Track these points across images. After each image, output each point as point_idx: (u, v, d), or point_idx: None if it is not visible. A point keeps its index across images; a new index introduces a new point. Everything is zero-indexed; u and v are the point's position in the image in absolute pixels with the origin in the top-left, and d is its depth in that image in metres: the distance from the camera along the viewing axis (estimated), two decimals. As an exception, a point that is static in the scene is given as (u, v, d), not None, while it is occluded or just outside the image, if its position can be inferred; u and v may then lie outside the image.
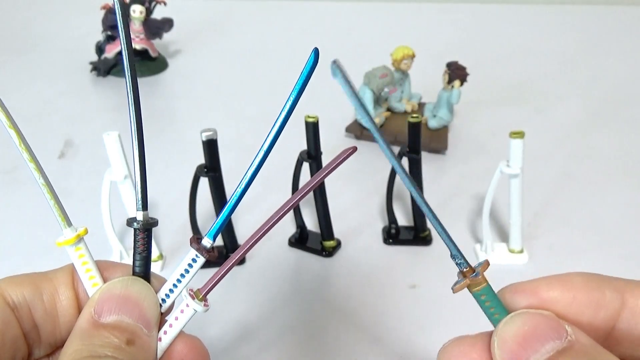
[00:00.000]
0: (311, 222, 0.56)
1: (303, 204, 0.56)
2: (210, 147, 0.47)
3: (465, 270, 0.22)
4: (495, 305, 0.21)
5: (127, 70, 0.22)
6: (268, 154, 0.22)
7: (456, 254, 0.22)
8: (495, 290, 0.22)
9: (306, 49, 0.21)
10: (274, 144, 0.22)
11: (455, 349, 0.22)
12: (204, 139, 0.46)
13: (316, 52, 0.20)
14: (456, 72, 0.68)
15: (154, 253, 0.51)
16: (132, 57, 0.22)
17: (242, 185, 0.22)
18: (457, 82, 0.68)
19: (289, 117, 0.21)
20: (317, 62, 0.20)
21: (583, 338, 0.20)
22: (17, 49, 1.08)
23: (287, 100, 0.21)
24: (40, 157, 0.23)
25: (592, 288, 0.21)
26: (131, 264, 0.24)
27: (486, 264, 0.22)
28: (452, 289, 0.22)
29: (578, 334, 0.20)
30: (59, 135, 0.75)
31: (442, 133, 0.70)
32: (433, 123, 0.70)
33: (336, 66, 0.18)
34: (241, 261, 0.52)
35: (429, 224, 0.54)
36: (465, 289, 0.22)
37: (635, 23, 1.21)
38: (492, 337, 0.21)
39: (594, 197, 0.61)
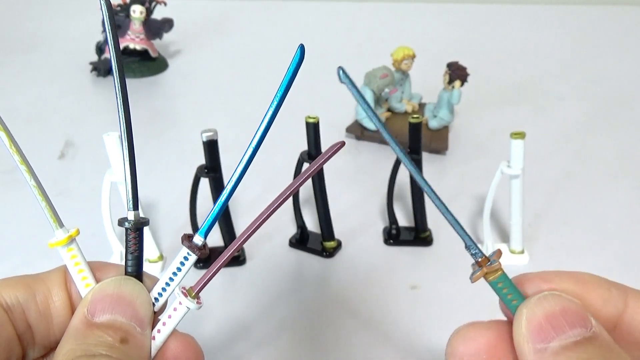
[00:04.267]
0: (312, 223, 0.55)
1: (303, 205, 0.56)
2: (211, 147, 0.47)
3: (480, 260, 0.23)
4: (513, 292, 0.22)
5: (116, 71, 0.22)
6: (256, 152, 0.22)
7: (471, 245, 0.23)
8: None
9: (306, 48, 0.21)
10: (262, 142, 0.22)
11: (467, 334, 0.22)
12: (205, 139, 0.46)
13: (302, 48, 0.20)
14: (457, 73, 0.68)
15: (155, 253, 0.51)
16: (119, 57, 0.22)
17: (232, 182, 0.22)
18: (457, 83, 0.68)
19: (276, 114, 0.21)
20: (303, 58, 0.20)
21: (604, 333, 0.20)
22: (17, 49, 1.08)
23: (274, 97, 0.21)
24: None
25: (600, 284, 0.22)
26: (123, 264, 0.24)
27: (499, 252, 0.23)
28: (470, 278, 0.23)
29: (600, 328, 0.20)
30: (59, 135, 0.75)
31: (442, 133, 0.70)
32: (434, 123, 0.70)
33: (342, 72, 0.20)
34: (241, 262, 0.51)
35: (429, 225, 0.54)
36: (482, 280, 0.23)
37: (635, 23, 1.21)
38: (520, 309, 0.21)
39: (594, 197, 0.61)
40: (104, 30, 0.94)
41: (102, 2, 0.21)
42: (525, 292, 0.22)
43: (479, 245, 0.53)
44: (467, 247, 0.23)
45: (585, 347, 0.19)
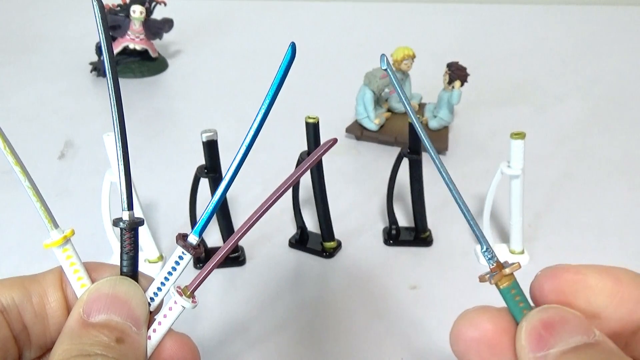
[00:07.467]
0: (311, 223, 0.55)
1: (303, 205, 0.56)
2: (211, 147, 0.47)
3: (494, 265, 0.22)
4: (523, 300, 0.22)
5: (109, 72, 0.22)
6: (249, 151, 0.22)
7: (488, 249, 0.23)
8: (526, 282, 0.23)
9: (306, 49, 0.21)
10: (254, 141, 0.22)
11: (474, 318, 0.22)
12: (204, 139, 0.46)
13: (293, 46, 0.20)
14: (456, 73, 0.68)
15: (155, 254, 0.51)
16: (112, 58, 0.22)
17: (226, 181, 0.22)
18: (457, 83, 0.68)
19: (268, 112, 0.22)
20: (294, 56, 0.21)
21: (609, 341, 0.20)
22: (17, 49, 1.08)
23: (266, 96, 0.21)
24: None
25: (636, 284, 0.21)
26: (119, 264, 0.24)
27: (518, 265, 0.23)
28: (490, 282, 0.22)
29: (604, 338, 0.20)
30: (59, 135, 0.75)
31: (442, 134, 0.70)
32: (433, 124, 0.70)
33: (386, 59, 0.21)
34: (241, 262, 0.51)
35: (429, 225, 0.54)
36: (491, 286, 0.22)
37: (635, 23, 1.21)
38: (520, 323, 0.21)
39: (594, 197, 0.61)
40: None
41: (94, 3, 0.21)
42: (551, 287, 0.22)
43: (479, 247, 0.53)
44: (485, 252, 0.23)
45: (585, 350, 0.19)
